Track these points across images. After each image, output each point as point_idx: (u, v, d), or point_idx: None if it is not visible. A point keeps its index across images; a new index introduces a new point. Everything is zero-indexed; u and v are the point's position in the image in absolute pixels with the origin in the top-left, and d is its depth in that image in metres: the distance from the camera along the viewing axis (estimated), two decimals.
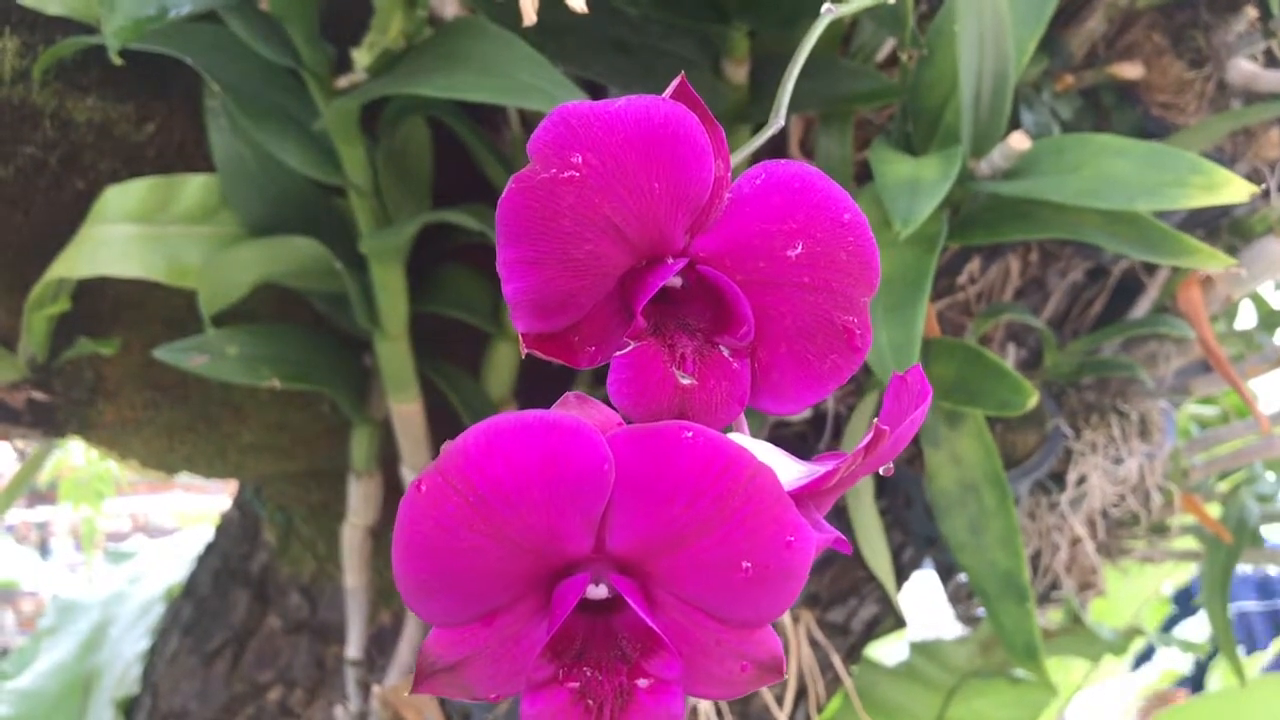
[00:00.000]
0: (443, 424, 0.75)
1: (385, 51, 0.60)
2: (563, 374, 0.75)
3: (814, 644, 0.82)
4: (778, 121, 0.33)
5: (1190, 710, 1.22)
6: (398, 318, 0.69)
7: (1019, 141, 0.58)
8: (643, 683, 0.26)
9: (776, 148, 0.70)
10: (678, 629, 0.27)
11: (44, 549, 2.96)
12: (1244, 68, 0.72)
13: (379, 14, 0.59)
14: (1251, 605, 2.10)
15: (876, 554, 0.75)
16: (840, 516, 0.75)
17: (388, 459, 0.78)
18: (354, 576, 0.81)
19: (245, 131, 0.63)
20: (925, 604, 1.12)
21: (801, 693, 0.82)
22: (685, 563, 0.26)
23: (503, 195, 0.25)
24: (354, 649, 0.83)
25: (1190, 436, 1.00)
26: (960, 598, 1.00)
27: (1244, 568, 1.14)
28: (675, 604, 0.27)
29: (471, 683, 0.27)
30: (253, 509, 0.94)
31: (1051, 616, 0.98)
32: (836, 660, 0.83)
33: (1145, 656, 1.80)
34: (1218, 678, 1.71)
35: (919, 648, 1.03)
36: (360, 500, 0.79)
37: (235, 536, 0.96)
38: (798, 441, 0.78)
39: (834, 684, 0.85)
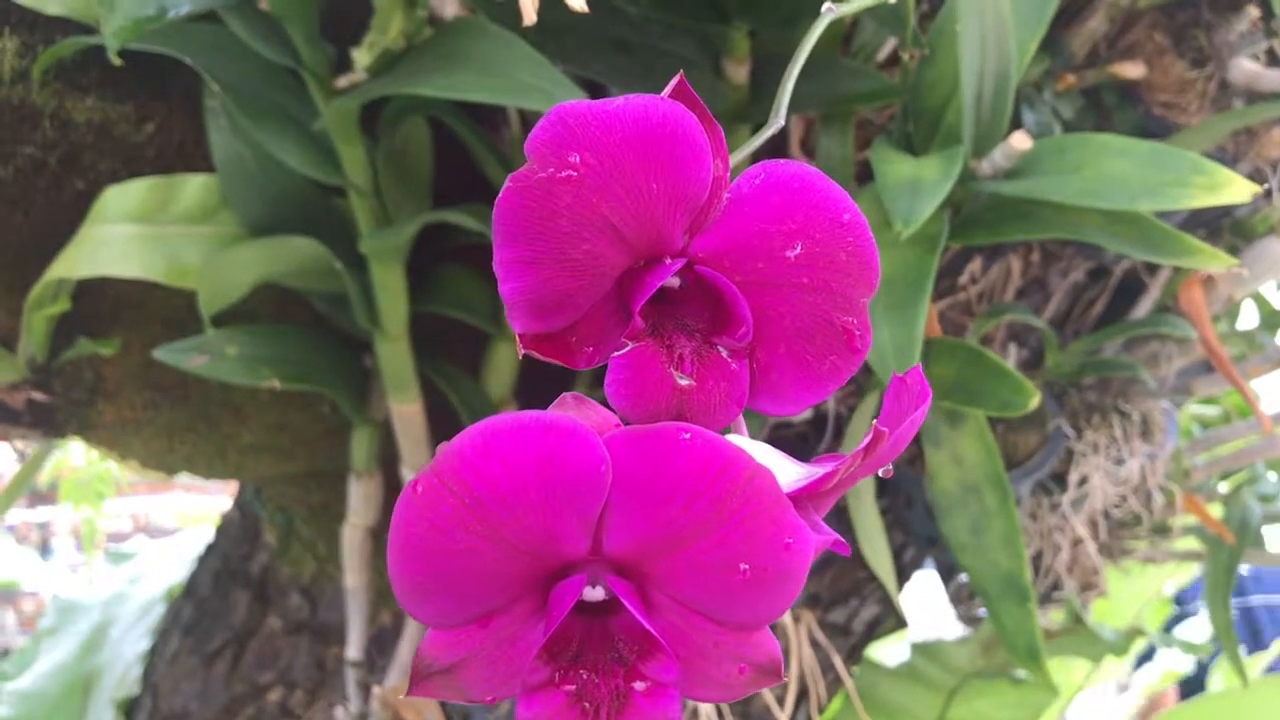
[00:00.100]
0: (443, 424, 0.75)
1: (385, 51, 0.59)
2: (563, 375, 0.75)
3: (815, 645, 0.82)
4: (778, 121, 0.33)
5: (1192, 711, 1.21)
6: (398, 318, 0.69)
7: (1020, 141, 0.58)
8: (639, 685, 0.26)
9: (777, 148, 0.70)
10: (675, 631, 0.26)
11: (45, 549, 2.96)
12: (1246, 67, 0.72)
13: (379, 14, 0.59)
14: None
15: (878, 554, 0.75)
16: (841, 517, 0.75)
17: (388, 459, 0.78)
18: (354, 577, 0.81)
19: (245, 131, 0.63)
20: (926, 604, 1.12)
21: (803, 693, 0.82)
22: (683, 565, 0.26)
23: (500, 195, 0.25)
24: (354, 650, 0.83)
25: (1192, 437, 1.00)
26: (961, 598, 0.99)
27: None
28: (672, 606, 0.26)
29: (467, 685, 0.27)
30: (253, 510, 0.94)
31: (1053, 617, 0.98)
32: (837, 661, 0.82)
33: (1146, 657, 1.80)
34: (1219, 678, 1.70)
35: (920, 648, 1.03)
36: (360, 501, 0.79)
37: (236, 537, 0.96)
38: (798, 443, 0.77)
39: (835, 685, 0.85)
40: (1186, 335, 0.78)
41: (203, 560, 0.99)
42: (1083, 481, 0.82)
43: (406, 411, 0.73)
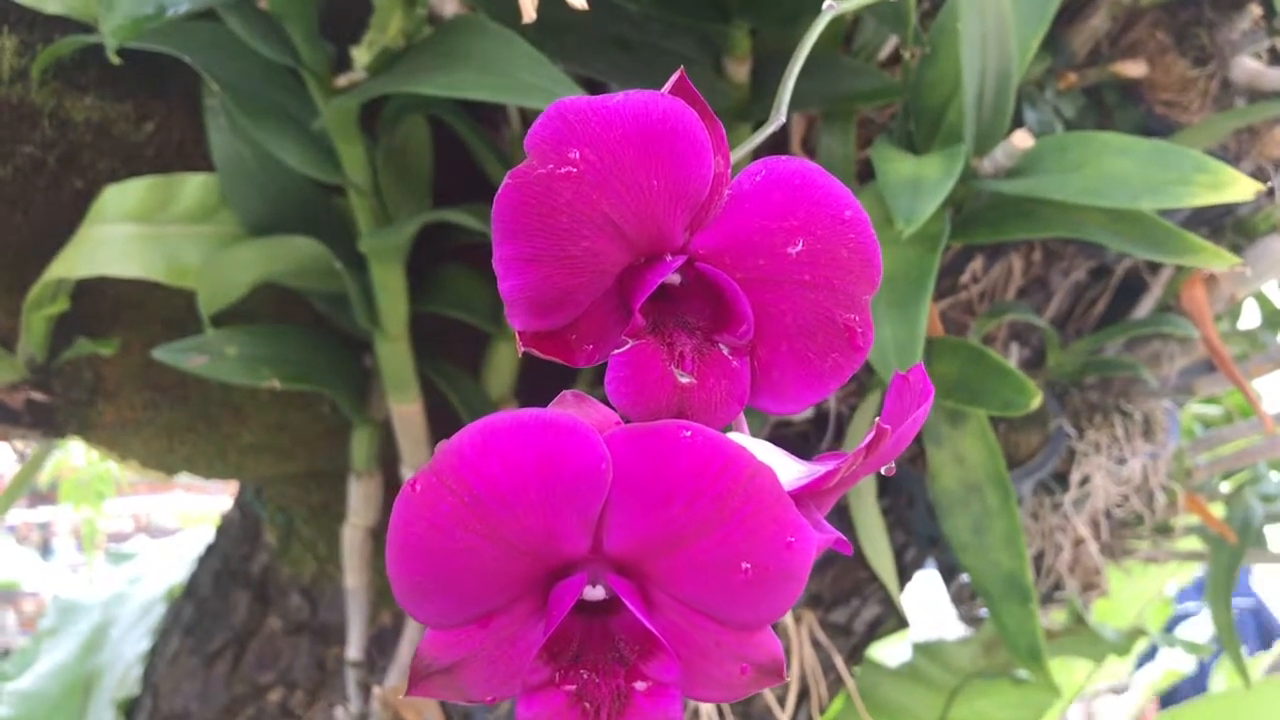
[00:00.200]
0: (443, 424, 0.74)
1: (385, 50, 0.59)
2: (563, 373, 0.75)
3: (816, 645, 0.82)
4: (778, 119, 0.32)
5: (1193, 711, 1.21)
6: (398, 318, 0.69)
7: (1022, 140, 0.57)
8: (640, 685, 0.26)
9: (778, 146, 0.70)
10: (676, 631, 0.26)
11: (45, 549, 2.96)
12: (1248, 66, 0.72)
13: (378, 12, 0.59)
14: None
15: (879, 554, 0.75)
16: (842, 516, 0.75)
17: (388, 459, 0.78)
18: (354, 577, 0.81)
19: (244, 130, 0.63)
20: (928, 604, 1.12)
21: (804, 694, 0.81)
22: (684, 563, 0.25)
23: (499, 191, 0.25)
24: (355, 650, 0.83)
25: (1194, 436, 0.99)
26: (963, 598, 0.99)
27: None
28: (673, 605, 0.26)
29: (467, 685, 0.26)
30: (253, 510, 0.94)
31: (1054, 617, 0.98)
32: (839, 661, 0.82)
33: (1147, 656, 1.79)
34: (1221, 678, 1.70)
35: (922, 648, 1.02)
36: (361, 501, 0.79)
37: (236, 537, 0.96)
38: (800, 441, 0.77)
39: (836, 685, 0.85)
40: (1188, 334, 0.78)
41: (203, 560, 0.99)
42: (1085, 481, 0.82)
43: (406, 411, 0.73)
